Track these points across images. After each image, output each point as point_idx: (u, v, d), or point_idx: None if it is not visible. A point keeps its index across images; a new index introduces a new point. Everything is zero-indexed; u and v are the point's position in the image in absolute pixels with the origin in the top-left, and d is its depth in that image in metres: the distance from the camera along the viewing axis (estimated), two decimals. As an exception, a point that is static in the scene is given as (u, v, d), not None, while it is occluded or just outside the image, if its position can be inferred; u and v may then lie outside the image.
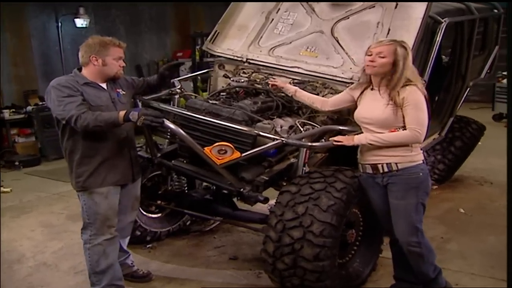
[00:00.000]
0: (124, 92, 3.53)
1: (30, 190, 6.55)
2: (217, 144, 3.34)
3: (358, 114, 3.32)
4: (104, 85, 3.40)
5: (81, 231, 3.50)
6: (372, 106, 3.21)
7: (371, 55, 3.13)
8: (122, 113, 3.14)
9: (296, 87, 3.88)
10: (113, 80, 3.43)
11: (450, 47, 5.30)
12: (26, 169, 7.76)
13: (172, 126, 3.34)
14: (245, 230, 4.55)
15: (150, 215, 4.58)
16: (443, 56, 5.86)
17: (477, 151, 6.41)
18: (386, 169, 3.20)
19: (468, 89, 5.42)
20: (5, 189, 6.54)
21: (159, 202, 4.53)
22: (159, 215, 4.66)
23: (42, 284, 3.99)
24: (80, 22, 9.54)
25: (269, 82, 4.04)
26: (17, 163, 7.82)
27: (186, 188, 4.55)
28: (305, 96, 3.78)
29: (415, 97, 3.09)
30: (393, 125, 3.14)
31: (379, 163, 3.22)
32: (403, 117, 3.11)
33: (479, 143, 6.34)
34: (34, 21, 9.44)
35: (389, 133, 3.13)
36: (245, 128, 3.50)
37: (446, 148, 5.95)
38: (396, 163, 3.17)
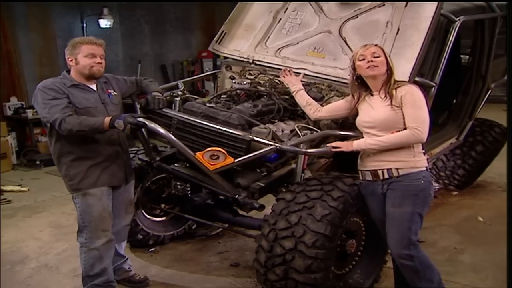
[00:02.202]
0: (116, 93, 3.47)
1: (47, 190, 6.59)
2: (209, 149, 3.23)
3: (359, 120, 3.21)
4: (93, 87, 3.35)
5: (77, 234, 3.46)
6: (372, 109, 3.11)
7: (364, 59, 3.04)
8: (107, 119, 3.10)
9: (300, 88, 3.73)
10: (95, 78, 3.34)
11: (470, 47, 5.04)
12: (47, 168, 7.81)
13: (161, 131, 3.21)
14: (250, 235, 4.44)
15: (153, 218, 4.51)
16: (466, 56, 5.58)
17: (504, 155, 6.07)
18: (386, 175, 3.05)
19: (490, 91, 5.13)
20: (22, 189, 6.63)
21: (163, 205, 4.48)
22: (163, 218, 4.58)
23: (40, 287, 3.97)
24: (104, 23, 9.64)
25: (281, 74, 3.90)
26: (38, 162, 7.93)
27: (189, 192, 4.47)
28: (303, 99, 3.64)
29: (413, 95, 2.99)
30: (394, 127, 3.01)
31: (379, 169, 3.07)
32: (404, 118, 2.98)
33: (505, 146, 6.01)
34: (60, 21, 9.56)
35: (389, 135, 2.99)
36: (239, 133, 3.36)
37: (467, 152, 5.67)
38: (397, 169, 3.02)
